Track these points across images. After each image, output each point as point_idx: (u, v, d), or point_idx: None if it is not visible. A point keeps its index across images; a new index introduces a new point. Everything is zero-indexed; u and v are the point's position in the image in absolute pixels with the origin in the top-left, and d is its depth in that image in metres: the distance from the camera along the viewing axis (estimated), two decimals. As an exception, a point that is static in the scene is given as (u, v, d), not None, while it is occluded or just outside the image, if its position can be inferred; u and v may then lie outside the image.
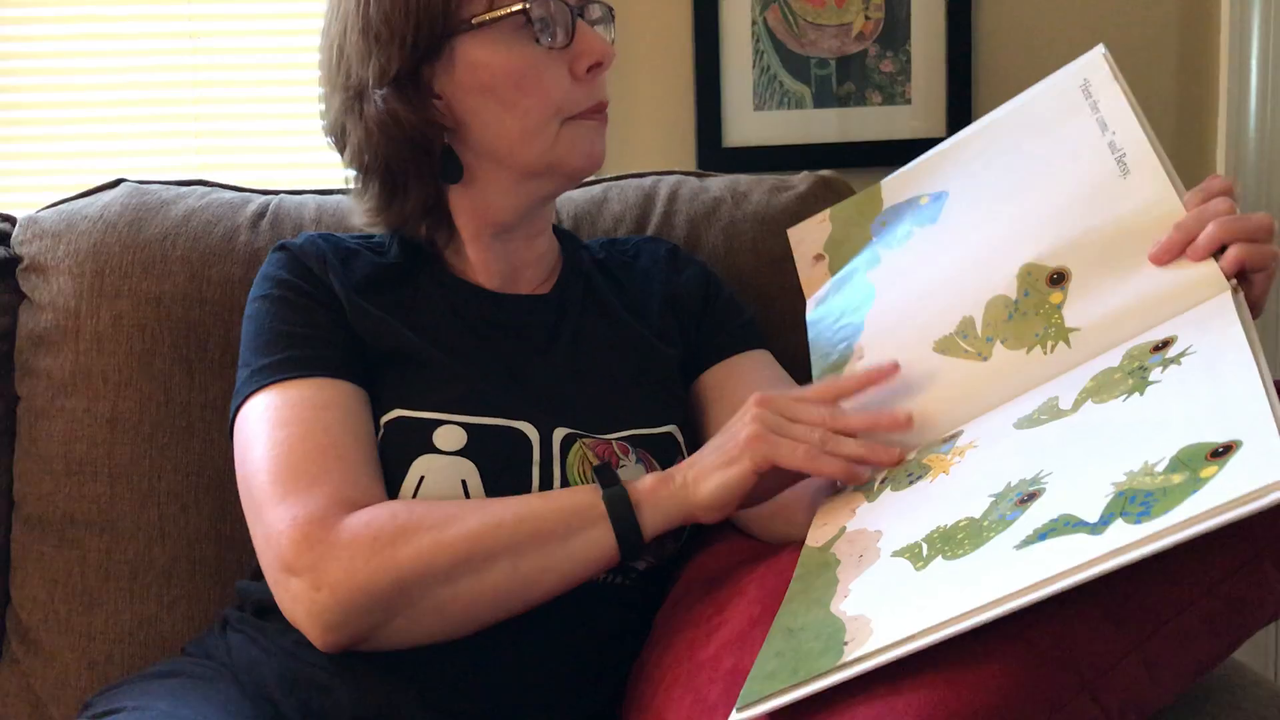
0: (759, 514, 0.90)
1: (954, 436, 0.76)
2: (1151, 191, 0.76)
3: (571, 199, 1.22)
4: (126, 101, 1.88)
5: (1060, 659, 0.58)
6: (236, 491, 1.08)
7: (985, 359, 0.78)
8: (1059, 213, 0.80)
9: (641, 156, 1.64)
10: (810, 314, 0.94)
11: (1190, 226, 0.72)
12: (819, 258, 0.96)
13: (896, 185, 0.95)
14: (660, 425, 0.94)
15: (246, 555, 1.07)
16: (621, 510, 0.79)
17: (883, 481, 0.76)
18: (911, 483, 0.72)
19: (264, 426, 0.85)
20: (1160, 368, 0.66)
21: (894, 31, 1.76)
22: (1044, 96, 0.88)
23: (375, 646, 0.80)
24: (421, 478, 0.85)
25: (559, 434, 0.89)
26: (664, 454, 0.92)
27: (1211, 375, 0.62)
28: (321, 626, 0.78)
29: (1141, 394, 0.65)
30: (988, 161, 0.89)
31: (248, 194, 1.19)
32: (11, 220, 1.18)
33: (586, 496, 0.81)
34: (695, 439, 0.97)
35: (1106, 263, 0.76)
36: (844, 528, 0.73)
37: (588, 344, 0.97)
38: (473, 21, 0.89)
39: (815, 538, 0.75)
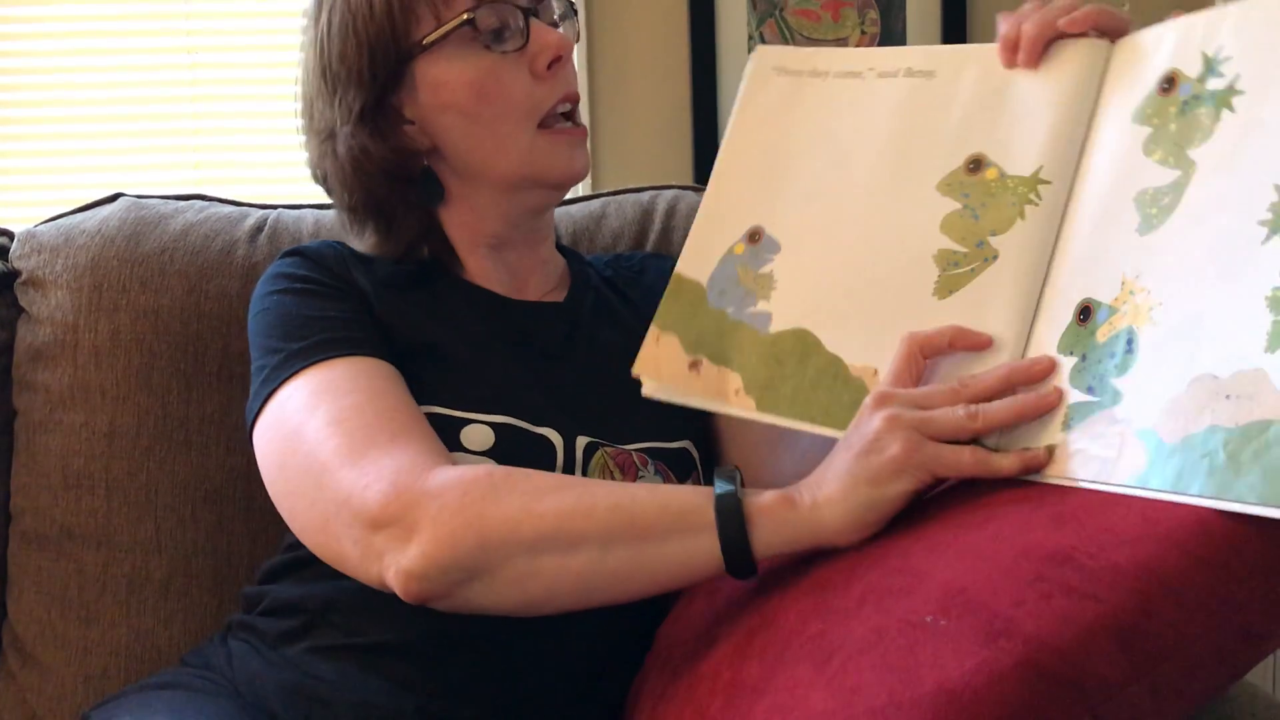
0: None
1: (1091, 307, 0.70)
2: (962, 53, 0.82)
3: (570, 215, 1.23)
4: (125, 116, 1.88)
5: (1067, 679, 0.58)
6: (233, 506, 1.09)
7: (995, 258, 0.75)
8: (932, 130, 0.81)
9: (639, 171, 1.64)
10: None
11: (1011, 36, 0.78)
12: (695, 364, 0.86)
13: (694, 263, 0.89)
14: (676, 440, 0.94)
15: (244, 569, 1.09)
16: (732, 521, 0.71)
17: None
18: (1131, 350, 0.67)
19: (321, 399, 0.81)
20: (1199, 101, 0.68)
21: (889, 45, 1.77)
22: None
23: (456, 607, 0.75)
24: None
25: (581, 441, 0.89)
26: (681, 469, 0.92)
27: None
28: (407, 577, 0.73)
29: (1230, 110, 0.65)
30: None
31: (246, 208, 1.20)
32: (10, 235, 1.18)
33: (697, 499, 0.73)
34: (709, 455, 0.97)
35: (1010, 117, 0.78)
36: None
37: (603, 353, 0.96)
38: (424, 42, 0.89)
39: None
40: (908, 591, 0.67)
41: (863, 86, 0.86)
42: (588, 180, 1.87)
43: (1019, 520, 0.68)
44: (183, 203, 1.18)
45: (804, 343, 0.81)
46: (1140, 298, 0.68)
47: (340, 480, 0.76)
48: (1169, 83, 0.72)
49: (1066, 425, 0.68)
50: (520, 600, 0.74)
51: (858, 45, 1.78)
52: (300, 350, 0.84)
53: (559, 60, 0.91)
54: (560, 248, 1.06)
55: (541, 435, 0.88)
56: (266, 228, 1.16)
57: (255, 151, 1.87)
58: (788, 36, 1.78)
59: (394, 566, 0.73)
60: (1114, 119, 0.75)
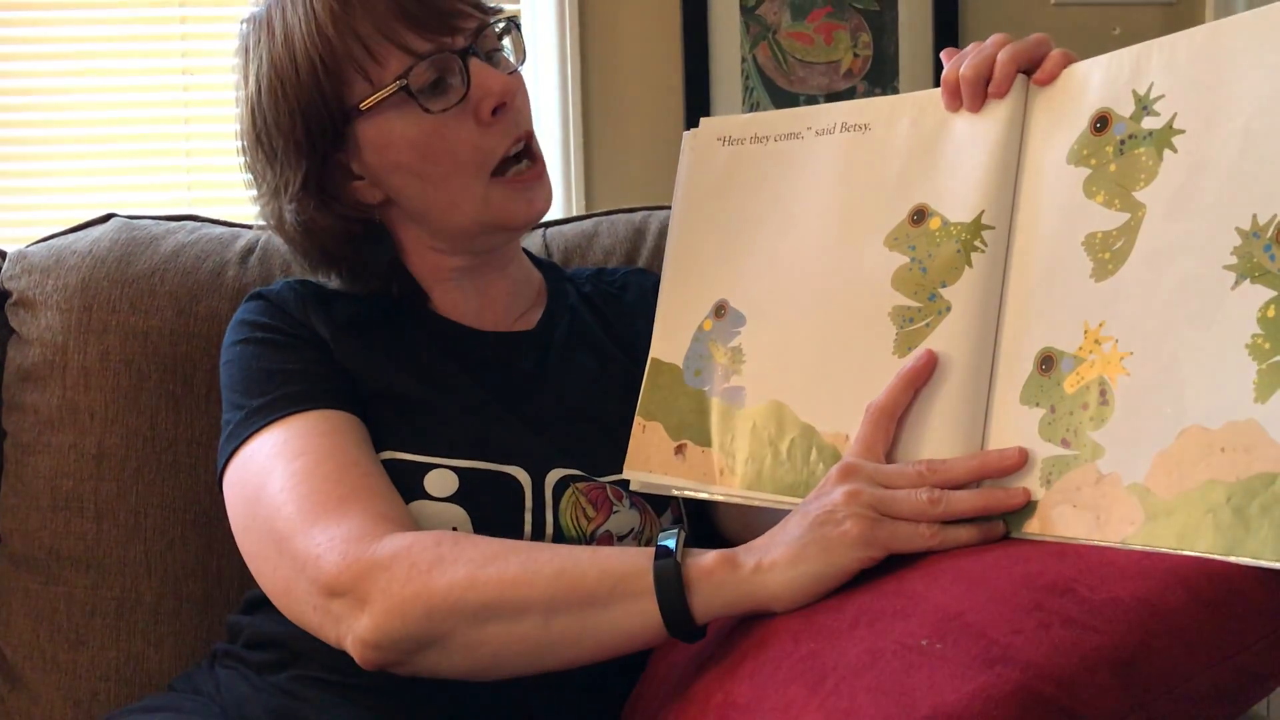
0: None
1: (1053, 358, 0.70)
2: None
3: (562, 233, 1.23)
4: (120, 136, 1.89)
5: (1064, 709, 0.57)
6: (222, 527, 1.07)
7: (949, 309, 0.75)
8: (873, 192, 0.81)
9: (632, 191, 1.64)
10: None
11: (951, 79, 0.78)
12: (680, 449, 0.85)
13: (667, 345, 0.89)
14: None
15: (234, 591, 1.07)
16: (671, 587, 0.71)
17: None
18: (1106, 402, 0.66)
19: (276, 462, 0.82)
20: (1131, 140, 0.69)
21: (882, 68, 1.78)
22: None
23: (413, 672, 0.76)
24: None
25: (551, 478, 0.88)
26: (658, 501, 0.91)
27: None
28: (362, 646, 0.74)
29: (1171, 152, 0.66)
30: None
31: (238, 229, 1.19)
32: (1, 255, 1.18)
33: (638, 563, 0.73)
34: None
35: (946, 163, 0.77)
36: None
37: (576, 382, 0.95)
38: (360, 107, 0.86)
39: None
40: (903, 614, 0.66)
41: (802, 147, 0.86)
42: (581, 200, 1.88)
43: (1016, 550, 0.68)
44: (174, 224, 1.18)
45: (779, 415, 0.80)
46: (1107, 347, 0.67)
47: (296, 548, 0.78)
48: (1102, 122, 0.71)
49: (1046, 481, 0.68)
50: (472, 666, 0.76)
51: (850, 68, 1.79)
52: (258, 408, 0.85)
53: (502, 106, 0.87)
54: (540, 263, 1.05)
55: (508, 475, 0.87)
56: (258, 249, 1.16)
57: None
58: (781, 59, 1.79)
59: (349, 635, 0.75)
60: (1045, 159, 0.74)
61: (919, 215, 0.78)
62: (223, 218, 1.23)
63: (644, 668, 0.88)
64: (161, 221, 1.18)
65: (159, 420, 1.09)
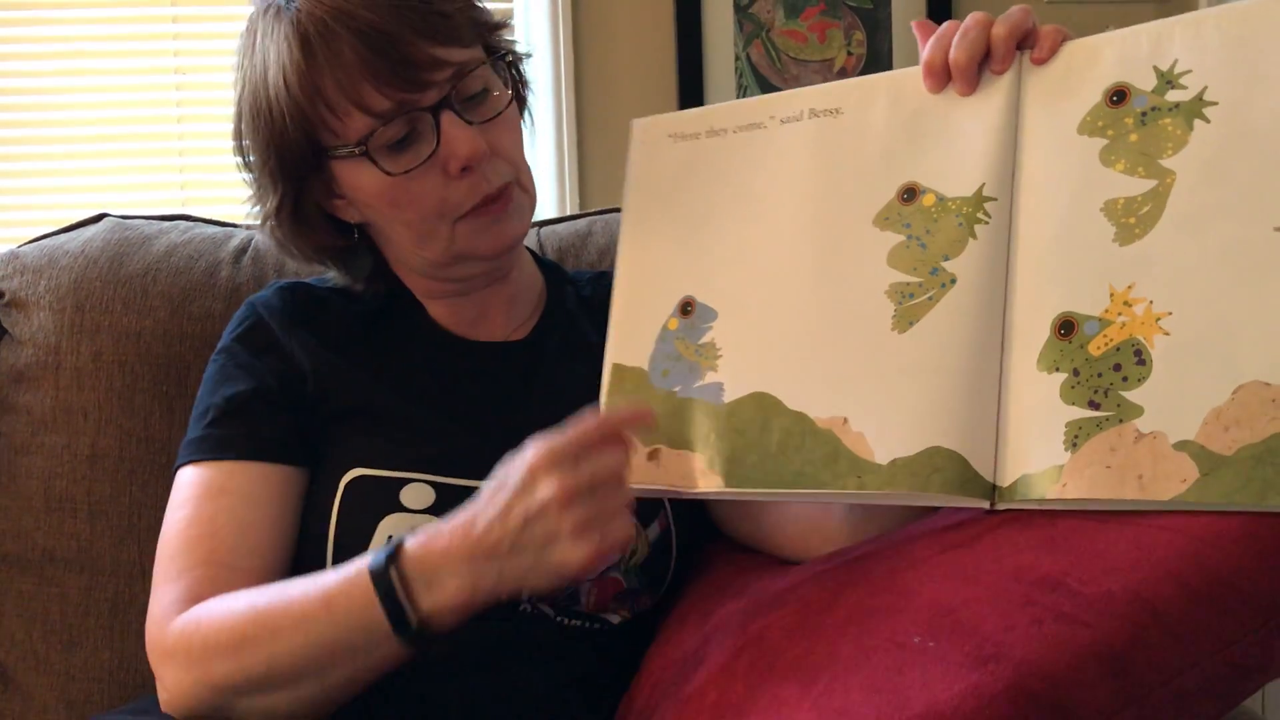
0: (786, 534, 0.89)
1: (1079, 321, 0.70)
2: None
3: (556, 233, 1.22)
4: (112, 136, 1.88)
5: (1056, 705, 0.57)
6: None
7: (954, 281, 0.74)
8: (860, 172, 0.81)
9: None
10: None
11: (938, 62, 0.77)
12: (653, 454, 0.83)
13: (628, 350, 0.87)
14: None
15: (227, 593, 1.08)
16: (409, 633, 0.74)
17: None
18: (1143, 362, 0.66)
19: (171, 506, 0.88)
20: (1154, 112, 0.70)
21: (876, 66, 1.78)
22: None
23: None
24: (389, 537, 0.82)
25: None
26: (644, 512, 0.90)
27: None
28: (172, 712, 0.81)
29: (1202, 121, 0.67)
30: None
31: (231, 229, 1.19)
32: (-7, 256, 1.18)
33: (373, 615, 0.74)
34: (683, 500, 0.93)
35: (935, 141, 0.77)
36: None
37: (566, 394, 0.90)
38: (329, 153, 0.86)
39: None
40: (895, 611, 0.66)
41: (766, 136, 0.84)
42: (575, 200, 1.88)
43: (1007, 542, 0.67)
44: (167, 223, 1.18)
45: (764, 406, 0.79)
46: (1140, 308, 0.68)
47: (149, 603, 0.85)
48: (1119, 95, 0.72)
49: (1072, 444, 0.67)
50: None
51: (844, 66, 1.79)
52: (189, 442, 0.89)
53: (468, 169, 0.85)
54: (542, 263, 1.03)
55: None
56: (251, 248, 1.15)
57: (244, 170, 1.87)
58: (774, 57, 1.79)
59: (163, 704, 0.81)
60: (1050, 130, 0.74)
61: (909, 194, 0.78)
62: (216, 217, 1.23)
63: (639, 667, 0.88)
64: (154, 221, 1.18)
65: (152, 421, 1.09)
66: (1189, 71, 0.70)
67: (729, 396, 0.81)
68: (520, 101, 0.95)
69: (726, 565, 0.93)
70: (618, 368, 0.86)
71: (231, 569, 0.83)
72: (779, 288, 0.81)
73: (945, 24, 0.79)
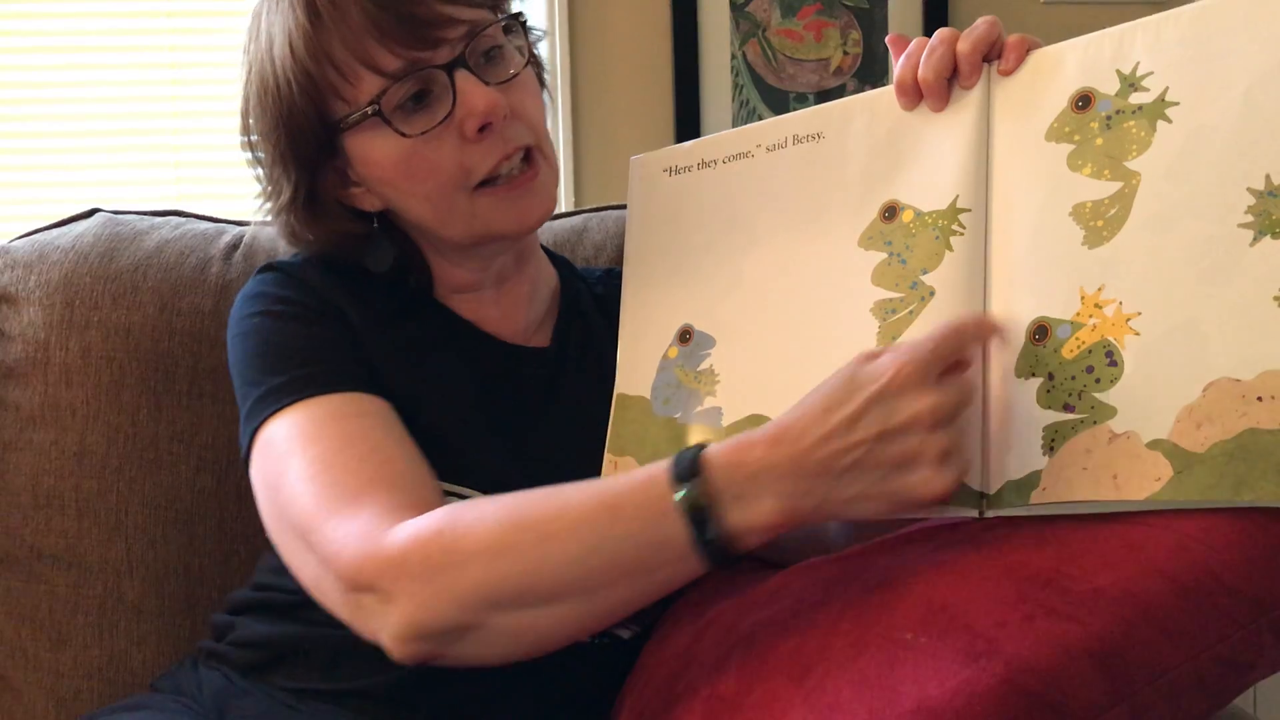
0: (783, 546, 0.89)
1: (1064, 324, 0.70)
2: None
3: (551, 228, 1.22)
4: (107, 131, 1.88)
5: (1047, 702, 0.57)
6: (203, 526, 1.08)
7: (932, 294, 0.75)
8: (844, 194, 0.82)
9: (621, 188, 1.64)
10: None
11: (908, 81, 0.78)
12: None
13: (632, 379, 0.88)
14: None
15: (216, 590, 1.07)
16: (717, 550, 0.66)
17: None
18: (1115, 363, 0.66)
19: (293, 449, 0.78)
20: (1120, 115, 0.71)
21: (872, 65, 1.78)
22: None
23: (456, 662, 0.72)
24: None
25: None
26: None
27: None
28: (397, 641, 0.70)
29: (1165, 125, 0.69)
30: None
31: (223, 225, 1.19)
32: (-16, 250, 1.17)
33: (670, 527, 0.66)
34: None
35: (911, 157, 0.78)
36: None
37: (585, 407, 0.91)
38: (341, 125, 0.83)
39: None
40: (888, 607, 0.66)
41: (754, 165, 0.86)
42: (570, 197, 1.87)
43: (1000, 540, 0.67)
44: (159, 219, 1.17)
45: (758, 427, 0.80)
46: (1110, 309, 0.68)
47: (318, 544, 0.74)
48: (1084, 100, 0.73)
49: (1049, 449, 0.67)
50: (516, 651, 0.72)
51: (840, 65, 1.79)
52: (279, 388, 0.81)
53: (488, 127, 0.82)
54: (554, 257, 1.02)
55: None
56: (242, 245, 1.15)
57: (238, 168, 1.87)
58: (770, 57, 1.79)
59: (383, 632, 0.71)
60: (1019, 139, 0.75)
61: (890, 212, 0.79)
62: (211, 213, 1.22)
63: (635, 666, 0.88)
64: (146, 217, 1.18)
65: (140, 417, 1.08)
66: (1151, 73, 0.71)
67: (727, 420, 0.82)
68: (537, 71, 0.91)
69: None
70: (622, 397, 0.88)
71: (415, 479, 0.77)
72: (772, 312, 0.83)
73: (914, 42, 0.80)
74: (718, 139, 0.90)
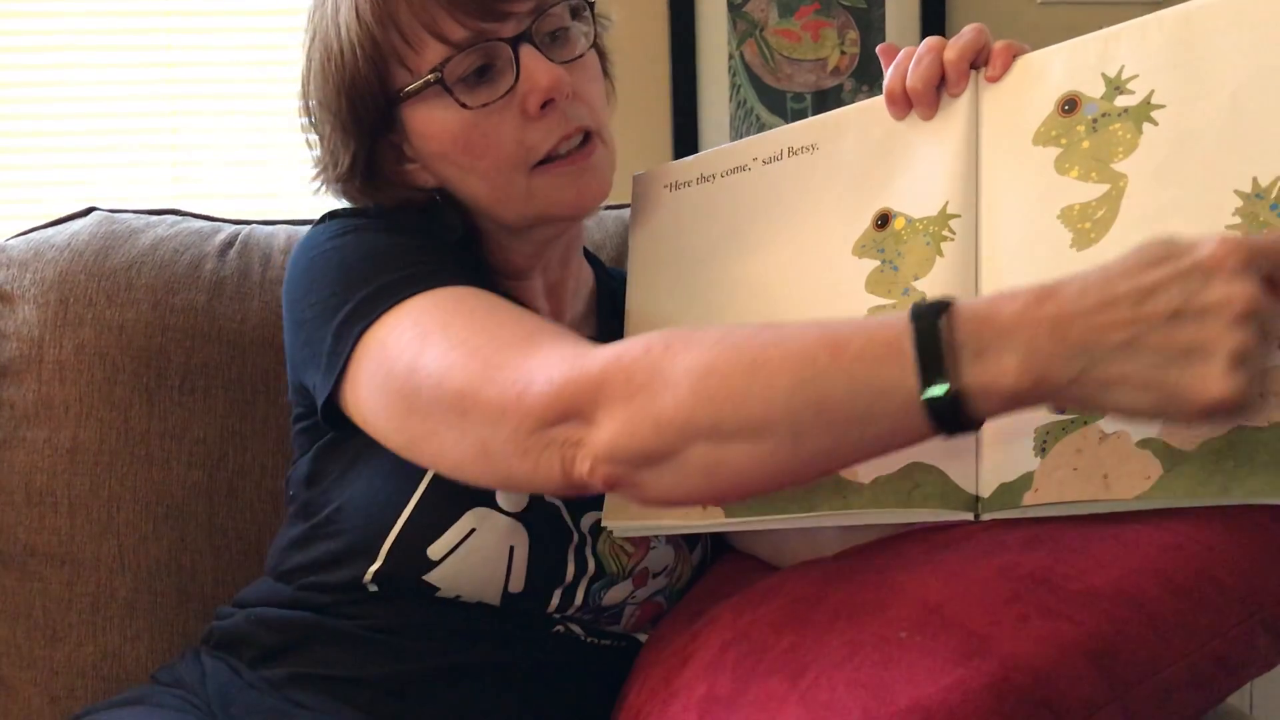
0: (783, 551, 0.88)
1: None
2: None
3: (547, 229, 1.22)
4: (104, 130, 1.88)
5: (1041, 700, 0.57)
6: (195, 523, 1.08)
7: (924, 300, 0.76)
8: (841, 189, 0.83)
9: (619, 187, 1.64)
10: None
11: (897, 90, 0.78)
12: None
13: None
14: None
15: (209, 586, 1.07)
16: (947, 414, 0.58)
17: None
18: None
19: (424, 330, 0.73)
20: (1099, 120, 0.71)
21: (869, 66, 1.78)
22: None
23: (649, 497, 0.68)
24: (473, 530, 0.80)
25: (587, 520, 0.85)
26: (693, 542, 0.90)
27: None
28: (594, 463, 0.66)
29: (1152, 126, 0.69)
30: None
31: (219, 224, 1.19)
32: (-21, 248, 1.17)
33: (895, 372, 0.58)
34: None
35: (902, 165, 0.79)
36: None
37: None
38: (402, 95, 0.82)
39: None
40: (882, 606, 0.66)
41: (751, 178, 0.87)
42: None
43: (994, 540, 0.67)
44: (155, 217, 1.18)
45: None
46: None
47: (489, 397, 0.68)
48: (1070, 104, 0.74)
49: (1040, 449, 0.67)
50: (709, 488, 0.66)
51: (837, 65, 1.79)
52: (399, 280, 0.76)
53: (550, 103, 0.81)
54: (585, 253, 1.01)
55: (558, 508, 0.84)
56: (237, 243, 1.15)
57: (235, 167, 1.87)
58: (768, 57, 1.79)
59: (579, 457, 0.66)
60: (1007, 144, 0.76)
61: (883, 220, 0.80)
62: (209, 211, 1.22)
63: (632, 666, 0.88)
64: (142, 215, 1.18)
65: (132, 413, 1.08)
66: (1136, 76, 0.71)
67: None
68: (602, 57, 0.91)
69: (717, 565, 0.94)
70: None
71: (575, 341, 0.70)
72: (768, 320, 0.82)
73: (902, 52, 0.81)
74: (716, 154, 0.91)
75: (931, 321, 0.58)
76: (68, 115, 1.89)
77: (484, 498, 0.81)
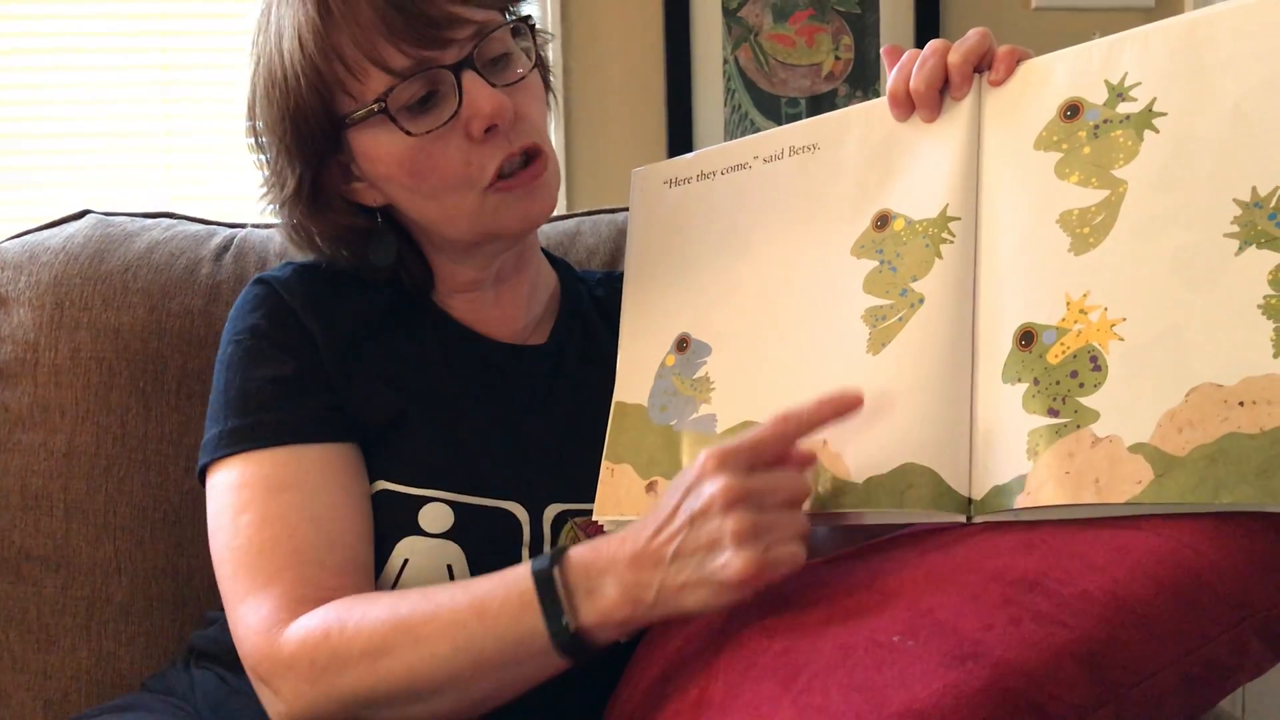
0: None
1: (1054, 329, 0.70)
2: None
3: (544, 232, 1.22)
4: (99, 133, 1.88)
5: (1033, 704, 0.57)
6: (191, 528, 1.08)
7: (922, 301, 0.76)
8: (845, 190, 0.83)
9: (614, 191, 1.64)
10: None
11: (900, 92, 0.79)
12: (651, 485, 0.85)
13: (630, 388, 0.89)
14: None
15: (204, 591, 1.07)
16: (576, 647, 0.71)
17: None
18: (1099, 368, 0.67)
19: (227, 507, 0.82)
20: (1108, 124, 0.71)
21: (864, 71, 1.78)
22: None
23: None
24: (406, 561, 0.83)
25: (550, 513, 0.86)
26: None
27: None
28: None
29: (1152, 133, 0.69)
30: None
31: (214, 227, 1.19)
32: (-26, 252, 1.17)
33: (530, 621, 0.71)
34: None
35: (903, 167, 0.79)
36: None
37: (585, 403, 0.92)
38: (347, 121, 0.83)
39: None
40: (876, 610, 0.66)
41: (751, 176, 0.87)
42: (564, 201, 1.88)
43: (987, 544, 0.67)
44: (150, 220, 1.18)
45: None
46: (1095, 315, 0.68)
47: (234, 614, 0.80)
48: (1073, 110, 0.74)
49: (1033, 453, 0.68)
50: None
51: (831, 71, 1.79)
52: (230, 432, 0.84)
53: (494, 128, 0.82)
54: (554, 260, 1.02)
55: (505, 511, 0.85)
56: (233, 247, 1.15)
57: (229, 170, 1.86)
58: (763, 62, 1.79)
59: (272, 713, 0.77)
60: (1009, 147, 0.76)
61: (882, 221, 0.80)
62: (203, 214, 1.22)
63: (625, 669, 0.88)
64: (137, 218, 1.18)
65: (129, 418, 1.08)
66: (1138, 84, 0.72)
67: (721, 427, 0.83)
68: (543, 73, 0.91)
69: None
70: (620, 405, 0.89)
71: (320, 566, 0.79)
72: (766, 320, 0.83)
73: (906, 54, 0.81)
74: (716, 151, 0.91)
75: (549, 573, 0.70)
76: (61, 118, 1.89)
77: (408, 526, 0.83)
